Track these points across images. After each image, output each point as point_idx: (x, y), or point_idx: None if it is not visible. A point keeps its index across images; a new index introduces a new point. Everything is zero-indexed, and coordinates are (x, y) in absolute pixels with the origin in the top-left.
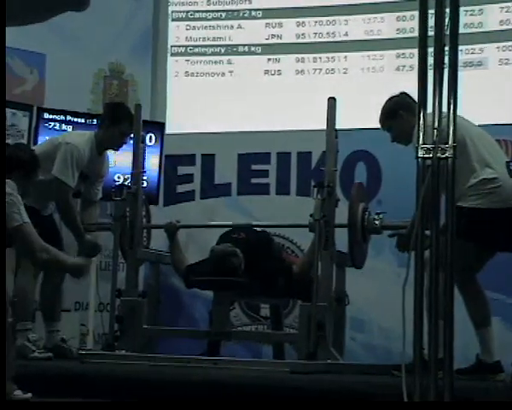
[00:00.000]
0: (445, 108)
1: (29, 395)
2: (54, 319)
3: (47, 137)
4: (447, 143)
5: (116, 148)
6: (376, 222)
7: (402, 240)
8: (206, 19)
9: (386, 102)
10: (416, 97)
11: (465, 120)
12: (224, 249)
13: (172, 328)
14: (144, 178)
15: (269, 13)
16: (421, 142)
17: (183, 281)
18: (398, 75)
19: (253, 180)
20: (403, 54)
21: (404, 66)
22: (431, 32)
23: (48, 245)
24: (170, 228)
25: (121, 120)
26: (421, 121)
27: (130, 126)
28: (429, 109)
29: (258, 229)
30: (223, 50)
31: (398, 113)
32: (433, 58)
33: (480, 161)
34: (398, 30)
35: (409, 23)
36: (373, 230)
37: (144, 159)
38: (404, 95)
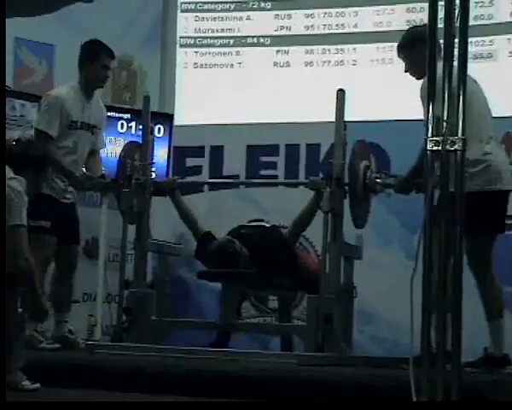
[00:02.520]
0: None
1: (37, 385)
2: (63, 310)
3: None
4: (456, 135)
5: (101, 84)
6: (379, 180)
7: (401, 183)
8: (215, 10)
9: (405, 32)
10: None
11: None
12: (220, 241)
13: (181, 319)
14: (153, 169)
15: (278, 4)
16: (429, 134)
17: (196, 248)
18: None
19: (262, 172)
20: None
21: None
22: (441, 24)
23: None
24: (169, 183)
25: (99, 53)
26: (430, 114)
27: (109, 58)
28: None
29: (267, 224)
30: (231, 42)
31: (414, 44)
32: (442, 50)
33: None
34: (407, 21)
35: (418, 15)
36: (375, 188)
37: (153, 150)
38: (423, 27)
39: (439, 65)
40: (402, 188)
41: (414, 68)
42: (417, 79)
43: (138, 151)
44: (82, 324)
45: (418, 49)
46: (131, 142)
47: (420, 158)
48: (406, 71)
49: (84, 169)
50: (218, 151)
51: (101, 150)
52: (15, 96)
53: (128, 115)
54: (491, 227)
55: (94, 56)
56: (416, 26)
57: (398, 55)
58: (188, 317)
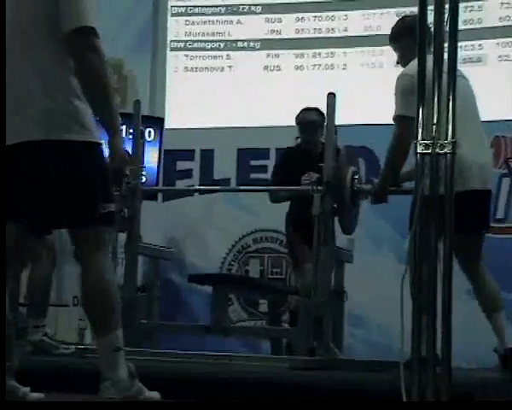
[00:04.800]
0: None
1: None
2: (41, 315)
3: None
4: (446, 138)
5: None
6: (366, 186)
7: (375, 193)
8: (205, 14)
9: (395, 23)
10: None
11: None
12: None
13: (170, 323)
14: (143, 173)
15: (268, 8)
16: (419, 137)
17: None
18: (398, 71)
19: (253, 175)
20: None
21: None
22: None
23: None
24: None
25: None
26: (420, 117)
27: None
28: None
29: None
30: (222, 45)
31: (400, 37)
32: (432, 54)
33: None
34: None
35: None
36: (362, 193)
37: (143, 154)
38: (411, 18)
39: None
40: (378, 198)
41: (401, 59)
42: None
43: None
44: (72, 328)
45: (401, 42)
46: None
47: (386, 164)
48: (398, 63)
49: None
50: (208, 155)
51: None
52: None
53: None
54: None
55: None
56: (404, 16)
57: (393, 48)
58: (178, 321)
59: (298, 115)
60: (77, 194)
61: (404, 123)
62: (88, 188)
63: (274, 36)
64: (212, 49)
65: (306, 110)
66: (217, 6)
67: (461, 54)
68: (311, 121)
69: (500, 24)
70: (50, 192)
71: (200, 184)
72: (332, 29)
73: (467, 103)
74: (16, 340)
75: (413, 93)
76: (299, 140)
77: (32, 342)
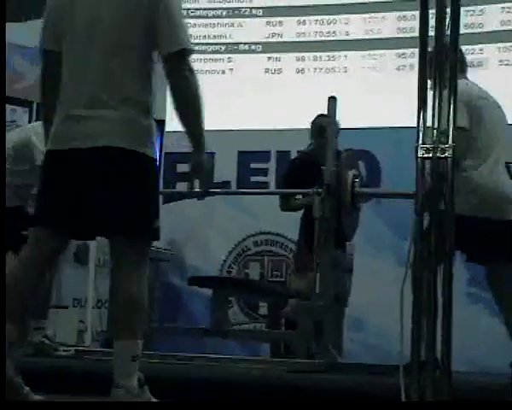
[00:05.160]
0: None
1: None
2: (42, 317)
3: None
4: (447, 143)
5: None
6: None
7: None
8: (206, 17)
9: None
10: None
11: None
12: None
13: (171, 325)
14: None
15: (269, 11)
16: (420, 142)
17: None
18: (399, 75)
19: (253, 178)
20: (403, 53)
21: (404, 65)
22: (432, 32)
23: None
24: None
25: None
26: (421, 121)
27: None
28: (429, 109)
29: None
30: (223, 48)
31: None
32: (433, 58)
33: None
34: (398, 29)
35: (409, 23)
36: (363, 197)
37: None
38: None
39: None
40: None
41: None
42: None
43: None
44: (72, 329)
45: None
46: None
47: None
48: None
49: None
50: (209, 157)
51: None
52: (7, 101)
53: None
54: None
55: None
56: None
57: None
58: (178, 323)
59: (314, 121)
60: (140, 205)
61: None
62: (149, 201)
63: (275, 39)
64: (213, 51)
65: (323, 116)
66: (218, 9)
67: None
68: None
69: (501, 28)
70: (114, 198)
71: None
72: (333, 32)
73: (501, 135)
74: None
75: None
76: (311, 146)
77: (33, 344)
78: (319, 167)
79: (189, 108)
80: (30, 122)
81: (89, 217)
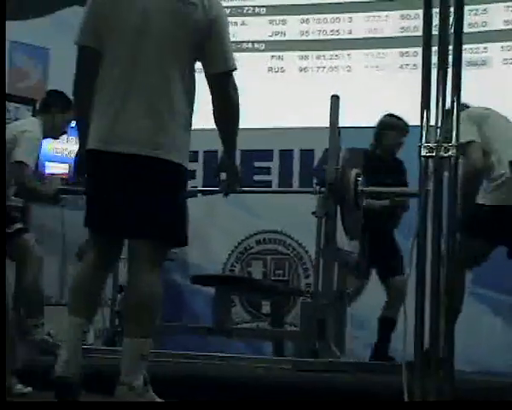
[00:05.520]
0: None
1: (29, 388)
2: (38, 314)
3: None
4: (450, 142)
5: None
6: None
7: None
8: None
9: None
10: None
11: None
12: None
13: (174, 324)
14: None
15: (272, 10)
16: (424, 141)
17: None
18: (402, 73)
19: (256, 177)
20: (406, 52)
21: (407, 64)
22: (435, 31)
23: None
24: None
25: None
26: (425, 120)
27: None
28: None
29: None
30: None
31: None
32: (436, 57)
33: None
34: (402, 28)
35: (412, 22)
36: (366, 196)
37: None
38: None
39: None
40: None
41: None
42: None
43: None
44: None
45: None
46: None
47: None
48: None
49: None
50: (212, 156)
51: None
52: (10, 99)
53: None
54: None
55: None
56: None
57: None
58: (181, 322)
59: (381, 120)
60: (175, 213)
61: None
62: (183, 209)
63: (278, 37)
64: None
65: (389, 116)
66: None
67: (465, 57)
68: (394, 126)
69: (505, 27)
70: (151, 204)
71: (203, 186)
72: (336, 31)
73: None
74: None
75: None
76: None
77: (35, 342)
78: (382, 162)
79: (230, 120)
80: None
81: (127, 219)
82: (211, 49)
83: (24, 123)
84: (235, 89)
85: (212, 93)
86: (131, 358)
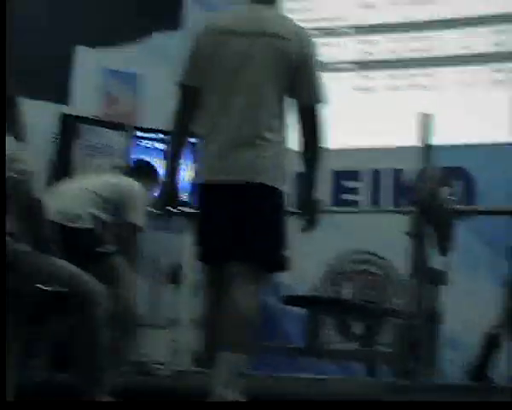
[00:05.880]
0: None
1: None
2: (132, 335)
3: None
4: None
5: None
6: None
7: None
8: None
9: None
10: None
11: None
12: None
13: (265, 344)
14: None
15: (361, 30)
16: None
17: None
18: (494, 90)
19: (344, 196)
20: (499, 69)
21: (500, 80)
22: None
23: None
24: None
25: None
26: None
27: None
28: None
29: None
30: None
31: None
32: None
33: None
34: (495, 44)
35: (506, 36)
36: (458, 213)
37: None
38: None
39: None
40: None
41: None
42: None
43: None
44: (164, 349)
45: None
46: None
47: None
48: None
49: None
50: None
51: None
52: (104, 125)
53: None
54: None
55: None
56: None
57: None
58: (271, 342)
59: None
60: (276, 238)
61: None
62: (283, 234)
63: (367, 57)
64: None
65: None
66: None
67: None
68: None
69: None
70: (254, 229)
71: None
72: (425, 50)
73: None
74: None
75: None
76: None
77: (132, 363)
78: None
79: (318, 148)
80: (126, 146)
81: (230, 241)
82: (304, 80)
83: (132, 184)
84: (322, 122)
85: (302, 122)
86: (225, 371)
